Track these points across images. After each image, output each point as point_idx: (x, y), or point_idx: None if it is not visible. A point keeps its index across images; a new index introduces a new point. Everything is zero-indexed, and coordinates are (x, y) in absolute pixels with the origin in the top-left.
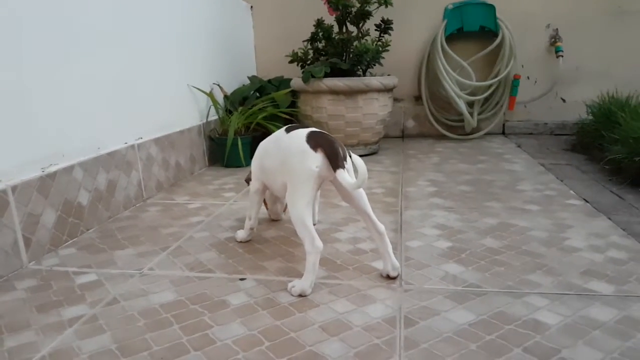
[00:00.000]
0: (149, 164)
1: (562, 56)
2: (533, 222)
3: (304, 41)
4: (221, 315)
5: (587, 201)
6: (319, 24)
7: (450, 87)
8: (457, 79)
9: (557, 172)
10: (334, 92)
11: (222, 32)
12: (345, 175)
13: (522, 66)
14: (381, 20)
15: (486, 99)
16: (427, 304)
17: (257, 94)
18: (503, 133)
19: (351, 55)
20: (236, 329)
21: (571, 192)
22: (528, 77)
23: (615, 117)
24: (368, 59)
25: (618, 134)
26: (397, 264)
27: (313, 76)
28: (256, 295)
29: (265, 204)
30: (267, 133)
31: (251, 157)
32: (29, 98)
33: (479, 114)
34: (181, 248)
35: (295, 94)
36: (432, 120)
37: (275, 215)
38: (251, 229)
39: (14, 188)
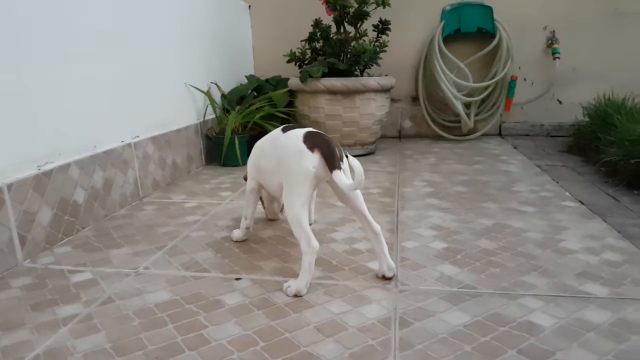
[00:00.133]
0: (145, 163)
1: (558, 58)
2: (528, 223)
3: (301, 41)
4: (216, 315)
5: (582, 203)
6: (317, 24)
7: (447, 88)
8: (454, 80)
9: (553, 173)
10: (332, 92)
11: (220, 32)
12: (341, 176)
13: (519, 68)
14: (379, 21)
15: (483, 100)
16: (423, 305)
17: (255, 93)
18: (499, 134)
19: (349, 56)
20: (231, 329)
21: (567, 193)
22: (525, 79)
23: (612, 119)
24: (365, 60)
25: (614, 136)
26: (392, 264)
27: (311, 76)
28: (251, 295)
29: (262, 203)
30: (264, 132)
31: (248, 157)
32: (28, 98)
33: (476, 115)
34: (177, 247)
35: (292, 93)
36: (429, 121)
37: (272, 214)
38: (247, 228)
39: (9, 186)
